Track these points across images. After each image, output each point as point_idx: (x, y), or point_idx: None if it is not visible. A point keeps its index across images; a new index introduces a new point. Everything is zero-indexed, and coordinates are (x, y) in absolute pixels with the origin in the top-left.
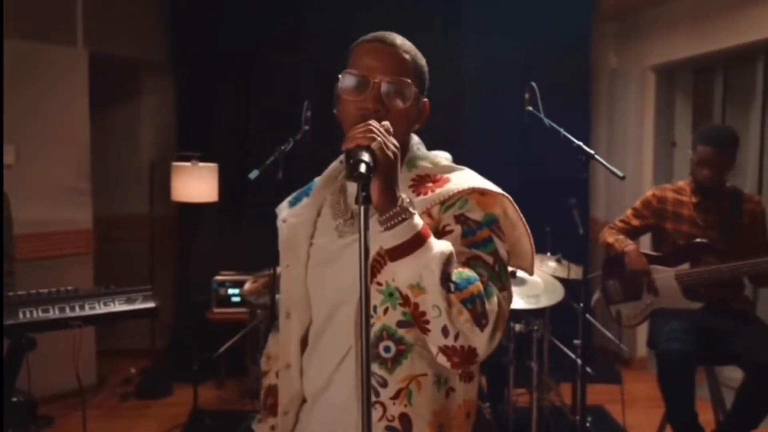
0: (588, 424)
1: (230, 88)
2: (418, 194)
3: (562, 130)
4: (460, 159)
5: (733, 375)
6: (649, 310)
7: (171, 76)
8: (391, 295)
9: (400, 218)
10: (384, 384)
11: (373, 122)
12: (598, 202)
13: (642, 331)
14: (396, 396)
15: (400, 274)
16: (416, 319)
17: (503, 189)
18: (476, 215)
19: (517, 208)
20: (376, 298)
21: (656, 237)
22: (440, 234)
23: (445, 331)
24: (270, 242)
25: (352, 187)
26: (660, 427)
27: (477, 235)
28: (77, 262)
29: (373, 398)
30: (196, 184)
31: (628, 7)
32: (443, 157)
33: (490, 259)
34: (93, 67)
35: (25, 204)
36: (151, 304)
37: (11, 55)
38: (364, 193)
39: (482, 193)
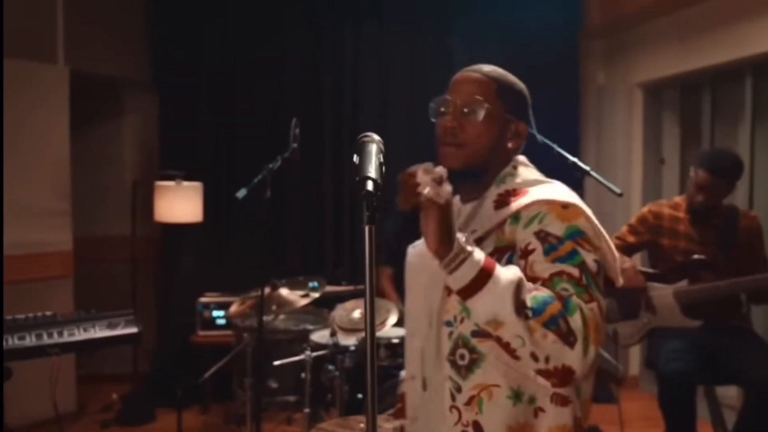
0: None
1: (215, 106)
2: (498, 209)
3: (555, 146)
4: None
5: (729, 393)
6: (646, 328)
7: (154, 93)
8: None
9: (459, 260)
10: (458, 390)
11: (422, 171)
12: None
13: (635, 350)
14: (468, 403)
15: (474, 311)
16: (504, 349)
17: None
18: (556, 229)
19: (594, 220)
20: (454, 308)
21: (652, 253)
22: (524, 253)
23: (534, 357)
24: (257, 262)
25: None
26: None
27: (559, 250)
28: (57, 285)
29: (450, 402)
30: (180, 203)
31: (615, 25)
32: (537, 173)
33: (575, 272)
34: (74, 86)
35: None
36: (133, 330)
37: None
38: (368, 213)
39: (564, 206)
